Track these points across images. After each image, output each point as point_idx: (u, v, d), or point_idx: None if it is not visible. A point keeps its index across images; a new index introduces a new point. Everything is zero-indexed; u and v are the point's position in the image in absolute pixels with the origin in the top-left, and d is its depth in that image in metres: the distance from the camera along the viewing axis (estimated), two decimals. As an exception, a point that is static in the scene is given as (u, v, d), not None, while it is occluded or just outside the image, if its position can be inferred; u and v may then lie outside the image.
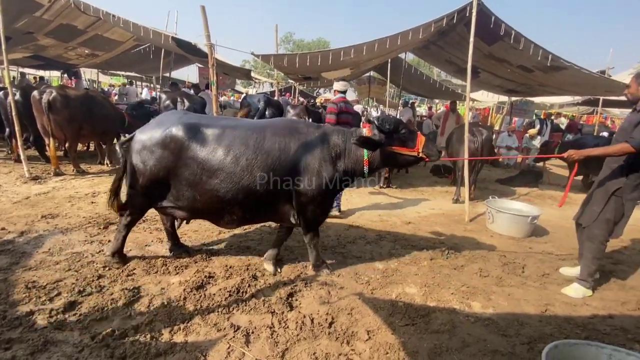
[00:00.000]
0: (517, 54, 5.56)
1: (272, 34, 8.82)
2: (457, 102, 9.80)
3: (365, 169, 2.83)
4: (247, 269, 2.96)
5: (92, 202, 4.49)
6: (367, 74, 14.42)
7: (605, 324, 2.59)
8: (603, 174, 3.03)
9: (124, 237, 2.90)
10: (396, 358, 2.05)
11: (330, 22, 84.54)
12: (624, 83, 6.49)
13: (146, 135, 2.65)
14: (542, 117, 11.93)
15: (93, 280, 2.64)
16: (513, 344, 2.26)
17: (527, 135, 10.09)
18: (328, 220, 4.42)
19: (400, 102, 13.57)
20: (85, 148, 8.30)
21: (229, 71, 10.67)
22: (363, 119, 13.89)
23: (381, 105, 17.93)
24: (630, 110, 3.06)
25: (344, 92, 4.38)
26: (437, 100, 19.67)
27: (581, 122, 14.92)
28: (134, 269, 2.88)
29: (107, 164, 6.62)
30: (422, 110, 21.66)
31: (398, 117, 11.92)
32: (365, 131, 2.82)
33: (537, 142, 9.71)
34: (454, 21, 5.11)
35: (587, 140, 7.52)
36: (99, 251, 3.15)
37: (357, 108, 16.70)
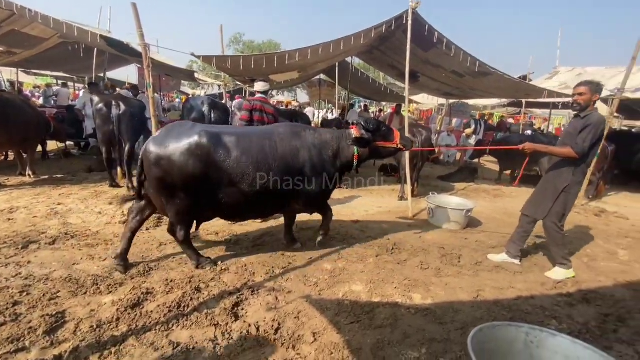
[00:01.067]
0: (449, 60, 6.01)
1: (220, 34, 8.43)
2: (403, 104, 10.34)
3: (355, 162, 3.40)
4: (190, 281, 2.83)
5: (9, 219, 3.98)
6: (317, 77, 14.61)
7: (528, 304, 2.88)
8: (553, 174, 3.38)
9: (193, 247, 3.12)
10: (340, 357, 2.10)
11: (281, 23, 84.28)
12: (540, 87, 7.34)
13: (170, 147, 2.72)
14: (476, 117, 13.00)
15: (7, 309, 2.34)
16: (448, 331, 2.42)
17: (464, 134, 10.94)
18: (278, 224, 4.40)
19: (350, 104, 13.95)
20: (2, 158, 7.35)
21: (171, 72, 10.12)
22: (318, 120, 14.00)
23: (331, 106, 18.26)
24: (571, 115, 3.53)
25: (264, 92, 4.57)
26: (384, 103, 20.51)
27: (509, 121, 16.53)
28: (58, 291, 2.60)
29: (29, 175, 5.91)
30: (371, 112, 22.43)
31: (348, 118, 12.24)
32: (354, 132, 3.39)
33: (472, 141, 10.57)
34: (393, 28, 5.39)
35: (513, 137, 8.36)
36: (16, 275, 2.80)
37: (309, 111, 16.80)
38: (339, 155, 3.35)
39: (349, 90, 11.70)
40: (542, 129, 15.42)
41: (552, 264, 3.57)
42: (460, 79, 6.98)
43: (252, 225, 4.31)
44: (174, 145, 2.70)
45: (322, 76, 14.18)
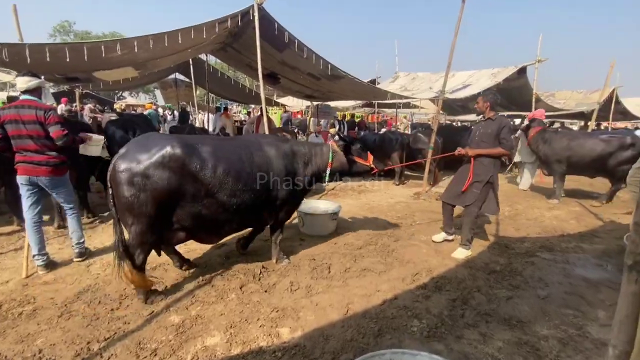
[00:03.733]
0: (304, 62, 5.95)
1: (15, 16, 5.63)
2: (269, 107, 10.07)
3: (328, 170, 3.59)
4: None
5: None
6: (172, 76, 13.00)
7: (393, 307, 2.86)
8: (478, 168, 3.84)
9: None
10: None
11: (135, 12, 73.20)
12: (385, 90, 8.18)
13: (138, 161, 2.52)
14: (339, 118, 13.96)
15: None
16: (318, 371, 2.11)
17: (330, 134, 11.50)
18: (108, 273, 3.35)
19: (216, 107, 12.90)
20: None
21: None
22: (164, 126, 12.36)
23: (169, 105, 16.69)
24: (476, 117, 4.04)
25: (31, 90, 3.08)
26: (252, 105, 20.09)
27: (367, 121, 18.54)
28: None
29: None
30: (242, 115, 21.67)
31: (212, 123, 11.23)
32: (331, 144, 3.69)
33: (337, 140, 11.20)
34: (240, 24, 4.91)
35: (368, 136, 9.15)
36: None
37: (166, 113, 14.70)
38: (310, 164, 3.54)
39: (208, 90, 10.69)
40: (395, 126, 17.80)
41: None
42: (317, 81, 7.11)
43: (61, 285, 3.14)
44: (146, 159, 2.53)
45: (178, 75, 12.70)
